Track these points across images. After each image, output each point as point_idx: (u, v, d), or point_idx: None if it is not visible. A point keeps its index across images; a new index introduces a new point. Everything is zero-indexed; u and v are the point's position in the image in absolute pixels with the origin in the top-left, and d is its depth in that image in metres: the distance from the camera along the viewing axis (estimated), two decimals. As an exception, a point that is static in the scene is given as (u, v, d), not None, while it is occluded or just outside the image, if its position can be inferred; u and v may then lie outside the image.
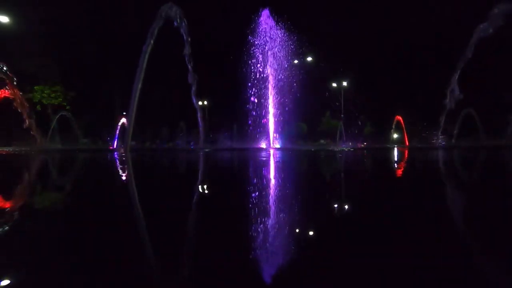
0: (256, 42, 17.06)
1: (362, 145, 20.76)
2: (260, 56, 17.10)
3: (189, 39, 14.40)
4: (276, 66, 17.13)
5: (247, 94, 17.26)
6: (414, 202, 2.30)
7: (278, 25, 16.95)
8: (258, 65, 17.16)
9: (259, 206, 2.13)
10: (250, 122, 17.46)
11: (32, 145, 17.11)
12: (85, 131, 24.13)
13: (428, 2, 27.02)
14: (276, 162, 6.46)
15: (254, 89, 17.24)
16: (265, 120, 17.21)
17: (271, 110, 17.19)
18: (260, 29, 17.02)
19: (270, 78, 17.10)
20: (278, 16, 16.95)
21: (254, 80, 17.18)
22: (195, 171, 5.30)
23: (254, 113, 17.30)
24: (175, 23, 13.99)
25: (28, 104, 18.42)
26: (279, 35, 17.03)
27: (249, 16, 16.96)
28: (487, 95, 23.20)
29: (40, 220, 1.88)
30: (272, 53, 17.00)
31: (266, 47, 16.96)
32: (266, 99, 17.18)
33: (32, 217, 1.99)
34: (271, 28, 16.94)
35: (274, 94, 17.22)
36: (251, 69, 17.18)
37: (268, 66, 17.01)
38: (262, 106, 17.25)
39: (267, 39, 16.94)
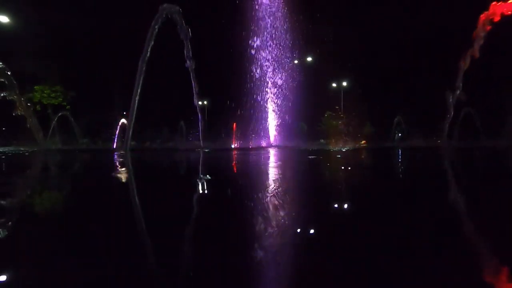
0: (256, 41, 17.06)
1: (362, 145, 20.69)
2: (261, 55, 17.10)
3: (189, 38, 14.37)
4: (276, 66, 17.15)
5: (247, 94, 17.28)
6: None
7: (279, 24, 16.96)
8: (259, 64, 17.16)
9: (256, 206, 2.13)
10: (250, 122, 17.48)
11: (32, 145, 17.09)
12: (85, 131, 24.11)
13: (428, 1, 27.01)
14: (275, 162, 6.46)
15: (254, 89, 17.25)
16: (265, 119, 17.24)
17: (271, 109, 17.22)
18: (261, 27, 17.03)
19: (271, 77, 17.12)
20: (279, 15, 16.97)
21: (254, 79, 17.19)
22: (195, 171, 5.30)
23: (254, 112, 17.32)
24: (176, 23, 13.97)
25: (30, 104, 18.38)
26: (280, 33, 17.04)
27: (250, 16, 16.97)
28: (487, 95, 23.14)
29: (40, 219, 1.89)
30: (272, 52, 17.02)
31: (267, 46, 16.98)
32: (266, 99, 17.20)
33: (32, 216, 1.99)
34: (272, 27, 16.96)
35: (274, 94, 17.24)
36: (251, 69, 17.19)
37: (268, 65, 17.02)
38: (262, 106, 17.28)
39: (268, 37, 16.95)
